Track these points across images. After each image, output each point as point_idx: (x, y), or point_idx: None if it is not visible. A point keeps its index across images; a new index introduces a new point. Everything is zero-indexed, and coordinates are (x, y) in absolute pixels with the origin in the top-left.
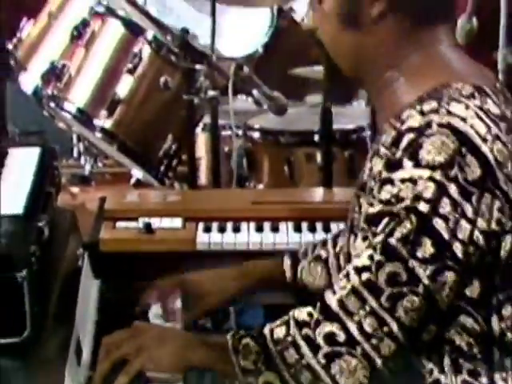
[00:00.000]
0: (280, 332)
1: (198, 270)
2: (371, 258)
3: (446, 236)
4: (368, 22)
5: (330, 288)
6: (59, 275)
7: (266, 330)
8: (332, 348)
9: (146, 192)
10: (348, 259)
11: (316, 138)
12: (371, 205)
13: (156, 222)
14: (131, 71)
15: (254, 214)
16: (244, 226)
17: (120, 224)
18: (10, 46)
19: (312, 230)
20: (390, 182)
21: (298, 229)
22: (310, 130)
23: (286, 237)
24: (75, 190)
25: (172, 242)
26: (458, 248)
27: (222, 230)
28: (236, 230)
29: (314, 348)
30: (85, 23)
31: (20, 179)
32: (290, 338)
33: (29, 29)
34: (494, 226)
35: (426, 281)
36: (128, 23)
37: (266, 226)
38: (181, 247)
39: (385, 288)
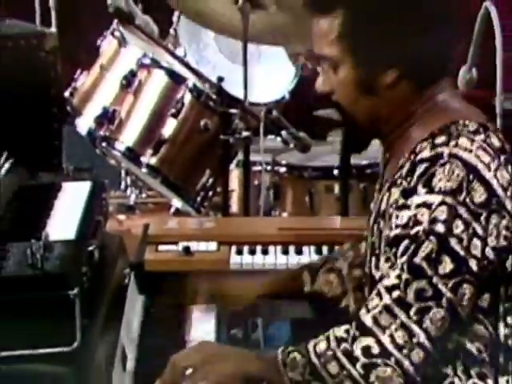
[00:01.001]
0: (322, 347)
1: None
2: (399, 277)
3: (462, 253)
4: (382, 88)
5: (364, 307)
6: (108, 292)
7: (310, 345)
8: (369, 359)
9: (184, 219)
10: (371, 280)
11: (335, 172)
12: (392, 230)
13: (194, 246)
14: (174, 115)
15: (280, 239)
16: (272, 249)
17: (162, 247)
18: (66, 94)
19: (331, 252)
20: (407, 207)
21: (319, 252)
22: (330, 165)
23: (309, 258)
24: (122, 217)
25: (208, 262)
26: (473, 263)
27: (252, 252)
28: (264, 252)
29: (353, 360)
30: (133, 73)
31: (73, 209)
32: (330, 352)
33: (83, 79)
34: (502, 242)
35: (448, 294)
36: (171, 73)
37: (291, 249)
38: (216, 267)
39: (413, 303)
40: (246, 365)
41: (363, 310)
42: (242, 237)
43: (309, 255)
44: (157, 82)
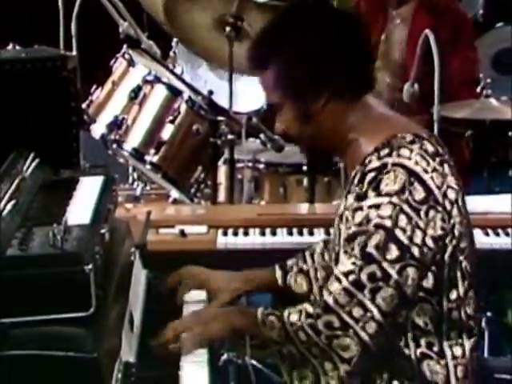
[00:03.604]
0: (294, 318)
1: (218, 266)
2: (354, 263)
3: (406, 242)
4: (316, 113)
5: (326, 289)
6: (117, 267)
7: (285, 313)
8: (331, 332)
9: (180, 207)
10: (331, 272)
11: (304, 168)
12: (349, 228)
13: (188, 229)
14: (172, 121)
15: (259, 223)
16: (251, 231)
17: (162, 230)
18: (84, 106)
19: (300, 234)
20: (360, 209)
21: (290, 233)
22: (300, 163)
23: (282, 239)
24: (129, 206)
25: (199, 243)
26: (415, 250)
27: (235, 234)
28: (246, 234)
29: (317, 332)
30: (139, 88)
31: (88, 199)
32: (299, 323)
33: (97, 93)
34: (439, 231)
35: (395, 276)
36: (170, 87)
37: (267, 231)
38: (205, 247)
39: (366, 284)
40: (232, 320)
41: (325, 293)
42: (227, 221)
43: (282, 236)
44: (158, 95)
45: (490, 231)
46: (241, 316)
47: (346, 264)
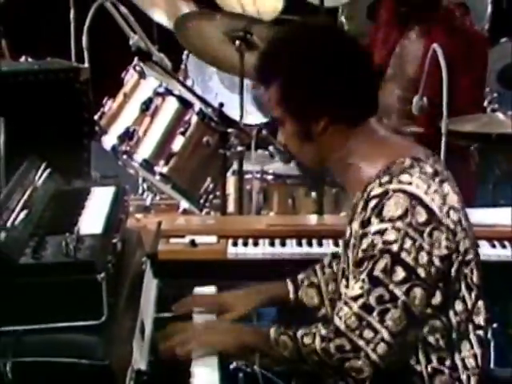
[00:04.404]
0: (308, 340)
1: (228, 276)
2: (362, 288)
3: (411, 263)
4: (317, 134)
5: (336, 315)
6: (129, 276)
7: (299, 335)
8: (342, 355)
9: (190, 217)
10: (339, 297)
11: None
12: (357, 254)
13: (198, 239)
14: (183, 133)
15: (268, 234)
16: (261, 241)
17: (172, 240)
18: (96, 117)
19: (309, 244)
20: (365, 235)
21: (299, 244)
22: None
23: (291, 249)
24: (139, 216)
25: (209, 253)
26: (421, 271)
27: (245, 244)
28: (255, 244)
29: (329, 355)
30: (150, 100)
31: (100, 209)
32: (313, 346)
33: (109, 104)
34: (444, 251)
35: (402, 297)
36: (181, 99)
37: (277, 241)
38: (215, 257)
39: (375, 307)
40: (243, 336)
41: (336, 318)
42: (237, 232)
43: (291, 247)
44: (169, 107)
45: (496, 243)
46: (252, 333)
47: (354, 289)
